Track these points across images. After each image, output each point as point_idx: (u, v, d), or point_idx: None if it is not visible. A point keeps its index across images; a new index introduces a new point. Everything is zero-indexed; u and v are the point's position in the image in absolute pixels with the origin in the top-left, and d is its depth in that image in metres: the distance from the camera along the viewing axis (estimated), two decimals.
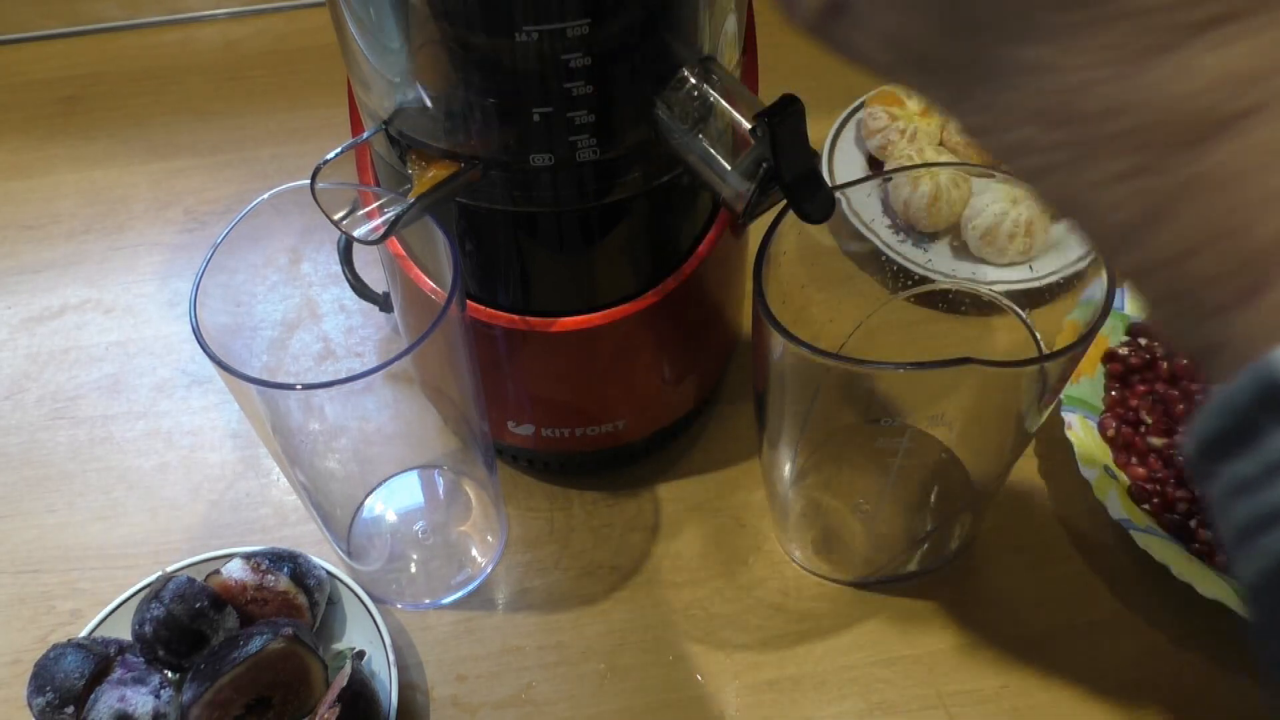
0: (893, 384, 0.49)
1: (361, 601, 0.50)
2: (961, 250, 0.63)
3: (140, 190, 0.73)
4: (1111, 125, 0.21)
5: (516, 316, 0.47)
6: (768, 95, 0.37)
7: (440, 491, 0.57)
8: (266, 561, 0.49)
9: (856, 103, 0.71)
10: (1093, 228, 0.23)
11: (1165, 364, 0.56)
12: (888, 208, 0.65)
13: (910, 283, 0.55)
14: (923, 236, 0.64)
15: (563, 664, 0.51)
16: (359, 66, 0.41)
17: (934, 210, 0.62)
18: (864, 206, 0.61)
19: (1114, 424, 0.55)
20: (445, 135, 0.40)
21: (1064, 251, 0.60)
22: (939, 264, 0.60)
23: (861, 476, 0.55)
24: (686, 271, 0.47)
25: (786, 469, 0.53)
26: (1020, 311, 0.48)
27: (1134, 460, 0.53)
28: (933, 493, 0.55)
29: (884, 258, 0.57)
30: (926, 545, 0.52)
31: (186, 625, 0.46)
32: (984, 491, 0.50)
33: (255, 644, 0.45)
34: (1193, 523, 0.51)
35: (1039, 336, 0.46)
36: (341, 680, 0.45)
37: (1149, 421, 0.54)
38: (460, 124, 0.39)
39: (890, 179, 0.64)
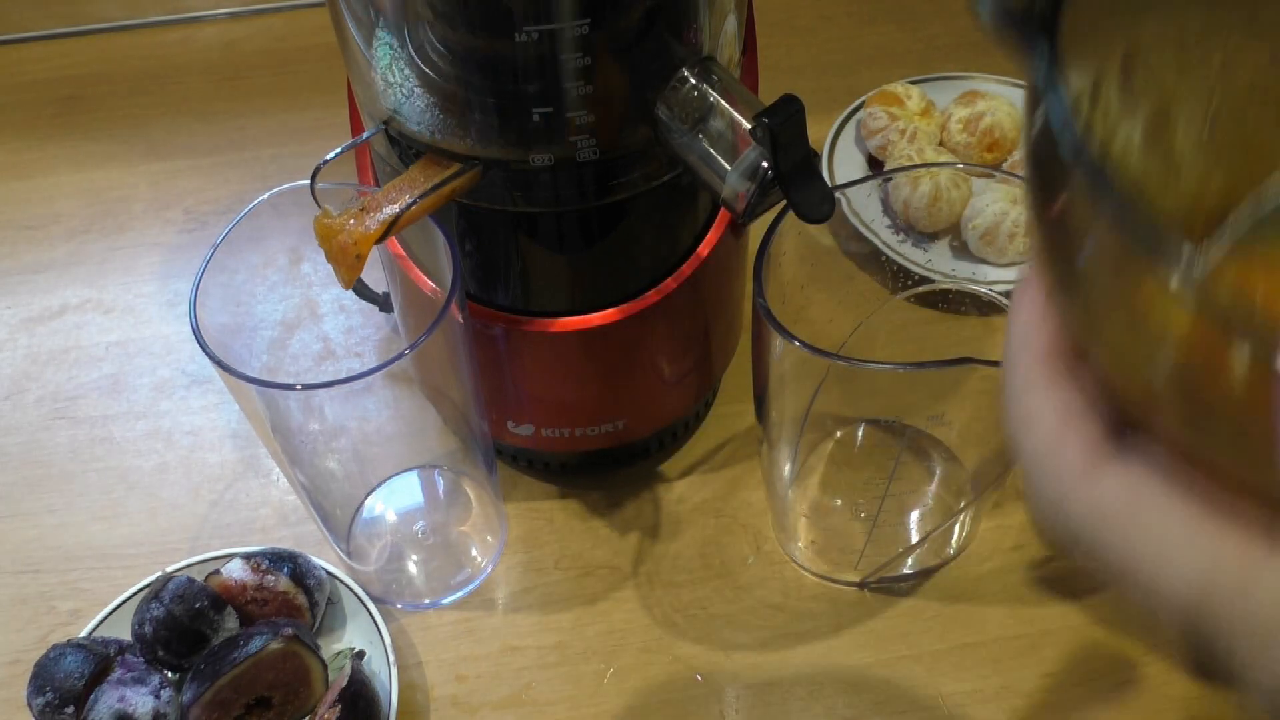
0: (893, 384, 0.49)
1: (361, 601, 0.50)
2: (961, 250, 0.63)
3: (140, 190, 0.73)
4: None
5: (516, 316, 0.47)
6: (768, 95, 0.37)
7: (440, 491, 0.57)
8: (266, 561, 0.49)
9: (856, 103, 0.71)
10: None
11: None
12: (888, 208, 0.65)
13: (910, 283, 0.55)
14: (923, 236, 0.64)
15: (563, 664, 0.51)
16: (359, 66, 0.41)
17: (934, 210, 0.62)
18: (864, 206, 0.61)
19: None
20: (445, 135, 0.40)
21: None
22: (939, 264, 0.60)
23: (861, 476, 0.55)
24: (686, 272, 0.47)
25: (786, 469, 0.53)
26: None
27: None
28: (933, 493, 0.55)
29: (884, 258, 0.57)
30: (926, 545, 0.52)
31: (186, 625, 0.46)
32: (984, 491, 0.50)
33: (255, 644, 0.45)
34: None
35: None
36: (341, 680, 0.45)
37: None
38: (460, 124, 0.39)
39: (890, 179, 0.64)
